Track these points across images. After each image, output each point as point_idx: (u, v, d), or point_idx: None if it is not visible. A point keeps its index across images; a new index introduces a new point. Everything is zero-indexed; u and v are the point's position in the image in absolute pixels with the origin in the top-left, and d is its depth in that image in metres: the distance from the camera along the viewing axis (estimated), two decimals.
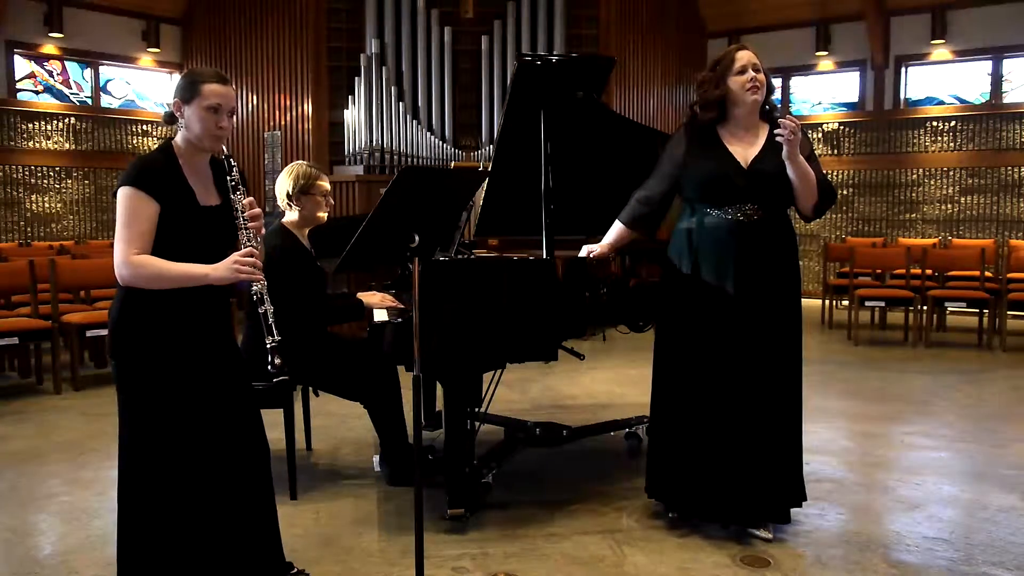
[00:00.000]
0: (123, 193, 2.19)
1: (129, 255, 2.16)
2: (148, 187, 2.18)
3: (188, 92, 2.26)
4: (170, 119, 2.32)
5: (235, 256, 2.23)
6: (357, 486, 3.61)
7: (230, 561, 2.35)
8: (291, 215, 3.50)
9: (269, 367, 2.24)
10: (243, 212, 2.28)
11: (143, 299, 2.22)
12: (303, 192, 3.46)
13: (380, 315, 3.41)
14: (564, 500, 3.40)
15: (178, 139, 2.31)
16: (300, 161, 3.65)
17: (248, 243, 2.26)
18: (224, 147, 2.34)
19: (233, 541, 2.35)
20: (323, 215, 3.54)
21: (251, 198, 2.32)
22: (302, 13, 9.78)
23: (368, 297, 3.50)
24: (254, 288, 2.25)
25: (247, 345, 3.50)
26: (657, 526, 3.13)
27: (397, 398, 3.55)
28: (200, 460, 2.29)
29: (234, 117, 2.38)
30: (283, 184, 3.48)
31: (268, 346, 2.23)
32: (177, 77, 10.65)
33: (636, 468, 3.74)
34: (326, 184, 3.54)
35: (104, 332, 5.57)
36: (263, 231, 2.35)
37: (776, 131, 2.78)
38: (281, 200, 3.49)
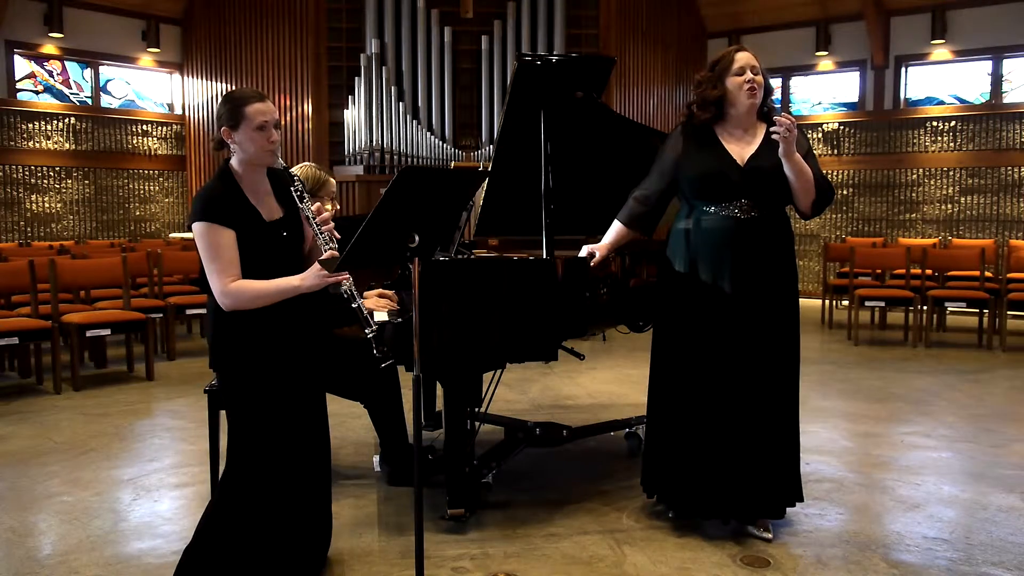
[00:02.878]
0: (199, 229, 2.32)
1: (226, 285, 2.31)
2: (219, 217, 2.32)
3: (234, 118, 2.35)
4: (220, 146, 2.44)
5: (318, 264, 2.35)
6: (357, 486, 3.61)
7: (297, 558, 2.52)
8: None
9: (375, 352, 2.39)
10: (315, 218, 2.40)
11: (234, 315, 2.36)
12: (311, 194, 3.45)
13: (380, 315, 3.40)
14: (564, 500, 3.40)
15: (234, 163, 2.42)
16: (307, 163, 3.64)
17: (327, 247, 2.37)
18: (282, 160, 2.46)
19: (304, 537, 2.54)
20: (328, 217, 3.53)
21: (318, 204, 2.48)
22: (302, 13, 9.78)
23: (368, 302, 3.47)
24: (343, 287, 2.37)
25: None
26: (657, 526, 3.13)
27: (397, 398, 3.55)
28: (292, 458, 2.47)
29: (280, 128, 2.47)
30: None
31: (369, 336, 2.38)
32: (177, 77, 10.66)
33: (636, 468, 3.73)
34: (333, 186, 3.53)
35: (105, 332, 5.59)
36: (336, 234, 2.43)
37: (772, 128, 2.79)
38: None
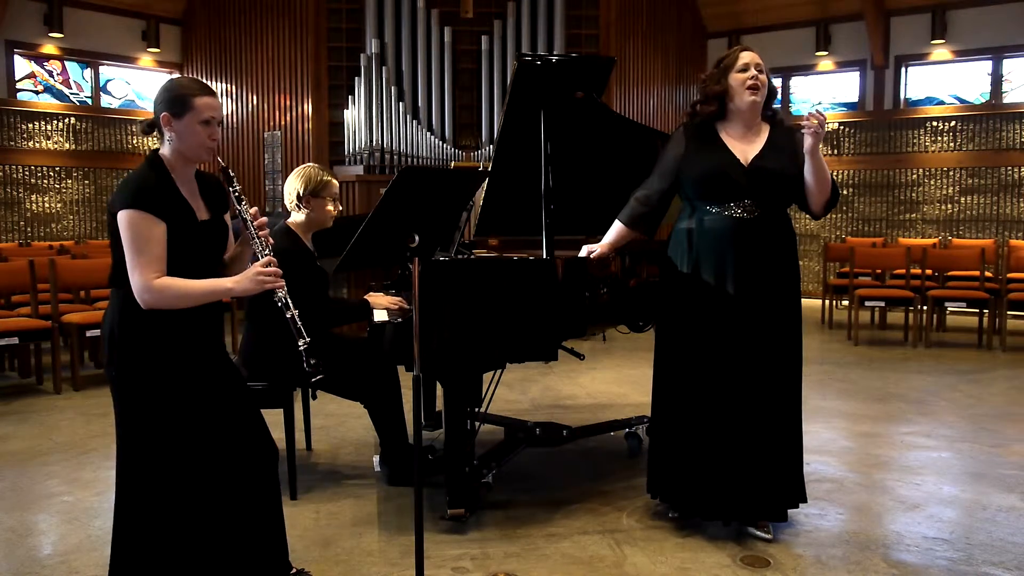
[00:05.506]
0: (128, 217, 2.12)
1: (151, 280, 2.13)
2: (152, 207, 2.14)
3: (179, 107, 2.19)
4: (149, 129, 2.27)
5: (256, 267, 2.23)
6: (357, 486, 3.61)
7: (231, 568, 2.33)
8: (297, 216, 3.49)
9: (305, 367, 2.31)
10: (253, 221, 2.28)
11: (146, 310, 2.18)
12: (313, 195, 3.45)
13: (380, 315, 3.41)
14: (564, 500, 3.40)
15: (165, 152, 2.24)
16: (310, 163, 3.64)
17: (264, 252, 2.26)
18: (220, 158, 2.31)
19: (234, 548, 2.33)
20: (331, 218, 3.53)
21: (255, 208, 2.32)
22: (302, 13, 9.77)
23: (376, 299, 3.47)
24: (278, 295, 2.26)
25: (247, 345, 3.50)
26: (657, 526, 3.13)
27: (397, 398, 3.55)
28: (198, 466, 2.27)
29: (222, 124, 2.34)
30: (293, 186, 3.47)
31: (301, 348, 2.29)
32: (177, 77, 10.65)
33: (636, 468, 3.74)
34: (336, 187, 3.53)
35: None
36: (271, 240, 2.34)
37: (802, 122, 2.79)
38: (290, 202, 3.47)
